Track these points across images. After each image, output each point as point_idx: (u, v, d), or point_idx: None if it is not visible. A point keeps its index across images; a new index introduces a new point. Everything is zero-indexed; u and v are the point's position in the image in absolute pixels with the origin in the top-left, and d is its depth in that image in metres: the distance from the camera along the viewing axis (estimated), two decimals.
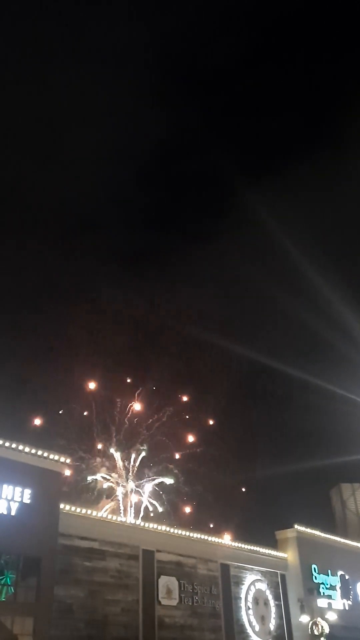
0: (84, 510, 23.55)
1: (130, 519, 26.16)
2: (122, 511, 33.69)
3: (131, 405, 37.87)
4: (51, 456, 22.04)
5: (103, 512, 29.44)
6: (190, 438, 41.28)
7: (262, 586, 29.63)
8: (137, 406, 38.77)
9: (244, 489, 43.89)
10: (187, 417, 42.09)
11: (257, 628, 28.09)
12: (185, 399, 42.86)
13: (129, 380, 40.05)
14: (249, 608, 28.16)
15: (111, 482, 35.42)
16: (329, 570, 32.49)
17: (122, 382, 40.13)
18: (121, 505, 34.27)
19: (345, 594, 32.83)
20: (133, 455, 36.30)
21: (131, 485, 35.52)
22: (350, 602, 32.89)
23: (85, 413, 37.60)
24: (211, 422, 44.45)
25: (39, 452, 21.67)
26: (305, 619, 29.56)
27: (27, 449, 21.29)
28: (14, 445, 21.02)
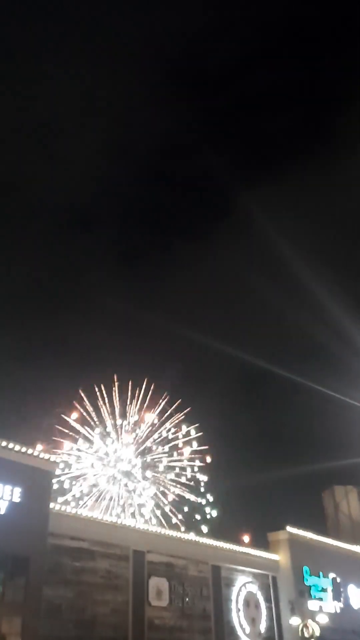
0: (74, 510, 23.41)
1: (121, 519, 25.99)
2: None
3: (119, 407, 37.86)
4: (42, 455, 21.89)
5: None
6: (184, 440, 41.28)
7: (253, 588, 29.50)
8: (128, 409, 38.78)
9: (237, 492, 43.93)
10: (180, 418, 42.10)
11: (247, 630, 27.95)
12: (179, 401, 42.85)
13: (121, 382, 40.01)
14: (239, 610, 28.02)
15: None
16: (321, 573, 32.37)
17: (113, 382, 40.04)
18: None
19: (336, 597, 32.71)
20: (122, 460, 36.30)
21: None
22: (341, 605, 32.77)
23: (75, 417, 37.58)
24: (205, 425, 44.49)
25: (30, 451, 21.51)
26: (295, 621, 29.44)
27: (17, 447, 21.13)
28: (4, 444, 20.85)
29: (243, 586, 28.91)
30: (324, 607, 31.43)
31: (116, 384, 37.94)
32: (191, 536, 28.09)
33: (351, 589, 34.24)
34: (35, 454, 21.62)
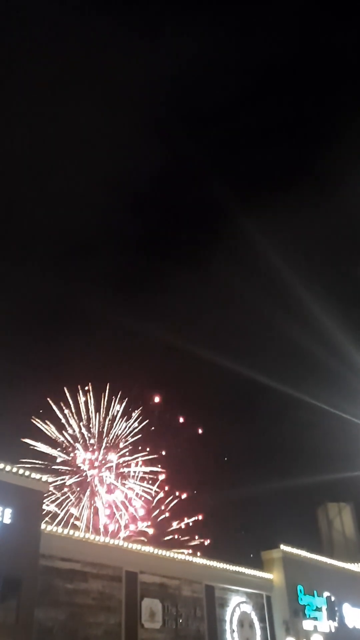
0: (65, 531, 23.17)
1: (113, 539, 25.73)
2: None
3: (115, 421, 38.13)
4: (33, 475, 21.69)
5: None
6: (178, 453, 41.36)
7: (247, 608, 29.18)
8: (123, 424, 38.96)
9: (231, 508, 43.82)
10: (175, 432, 42.24)
11: None
12: (174, 415, 43.00)
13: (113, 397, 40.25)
14: (233, 631, 27.69)
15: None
16: (315, 592, 32.07)
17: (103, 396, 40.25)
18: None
19: (331, 616, 32.35)
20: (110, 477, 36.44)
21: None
22: (336, 624, 32.41)
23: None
24: (198, 438, 44.58)
25: (20, 471, 21.32)
26: None
27: (8, 468, 20.94)
28: None
29: (237, 606, 28.61)
30: (319, 627, 31.12)
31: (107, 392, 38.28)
32: (184, 556, 27.83)
33: (346, 607, 33.93)
34: (27, 474, 21.42)
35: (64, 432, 38.16)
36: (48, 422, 37.96)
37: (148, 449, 38.92)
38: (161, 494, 39.04)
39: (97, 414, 38.60)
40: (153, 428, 40.59)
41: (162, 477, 39.23)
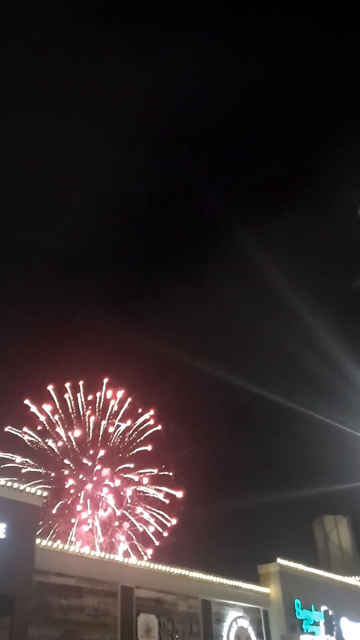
0: (61, 546, 22.84)
1: (108, 554, 25.40)
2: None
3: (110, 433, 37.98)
4: (28, 489, 21.39)
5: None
6: (173, 467, 41.10)
7: (244, 623, 28.82)
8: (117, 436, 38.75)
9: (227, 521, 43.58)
10: (169, 445, 42.01)
11: None
12: (169, 426, 42.82)
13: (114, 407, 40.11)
14: None
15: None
16: (313, 606, 31.74)
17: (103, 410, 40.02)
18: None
19: (329, 630, 32.03)
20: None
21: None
22: (334, 639, 32.11)
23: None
24: (195, 451, 44.38)
25: (15, 485, 21.02)
26: None
27: (2, 482, 20.65)
28: None
29: (234, 621, 28.25)
30: None
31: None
32: (180, 570, 27.49)
33: (344, 622, 33.56)
34: (22, 488, 21.12)
35: (49, 441, 37.85)
36: (30, 432, 37.60)
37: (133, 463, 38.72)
38: (156, 515, 38.74)
39: (92, 417, 38.41)
40: (146, 439, 40.39)
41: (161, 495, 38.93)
